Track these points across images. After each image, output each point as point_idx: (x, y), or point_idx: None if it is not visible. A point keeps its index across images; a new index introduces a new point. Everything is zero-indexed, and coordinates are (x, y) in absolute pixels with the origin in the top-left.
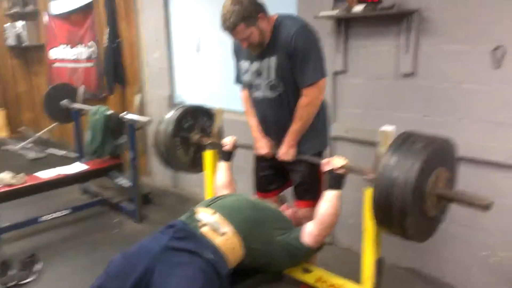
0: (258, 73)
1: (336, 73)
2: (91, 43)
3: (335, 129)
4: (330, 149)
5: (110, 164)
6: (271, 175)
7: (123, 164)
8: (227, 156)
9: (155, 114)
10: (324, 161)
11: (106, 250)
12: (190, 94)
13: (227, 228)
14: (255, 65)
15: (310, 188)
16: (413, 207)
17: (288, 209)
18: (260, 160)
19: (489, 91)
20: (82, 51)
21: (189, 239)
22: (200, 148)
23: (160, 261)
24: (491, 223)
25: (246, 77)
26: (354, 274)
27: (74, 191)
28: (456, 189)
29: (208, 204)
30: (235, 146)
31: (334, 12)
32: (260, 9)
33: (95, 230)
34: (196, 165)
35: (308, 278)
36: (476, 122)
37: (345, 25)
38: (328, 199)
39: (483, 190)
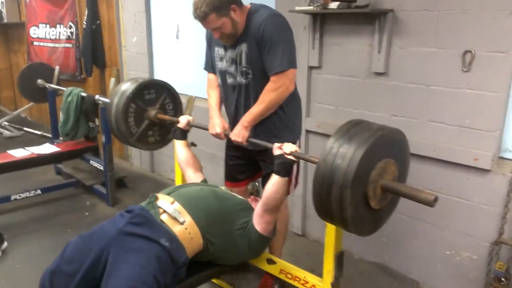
0: (233, 61)
1: (311, 68)
2: (70, 24)
3: (308, 123)
4: (299, 143)
5: (84, 147)
6: (241, 164)
7: (99, 147)
8: (180, 134)
9: None
10: (276, 145)
11: (75, 232)
12: (168, 81)
13: (186, 218)
14: (230, 52)
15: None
16: (354, 197)
17: (256, 201)
18: (231, 149)
19: (457, 94)
20: (61, 31)
21: (146, 225)
22: (152, 125)
23: (115, 245)
24: (456, 223)
25: (221, 65)
26: (321, 266)
27: (48, 172)
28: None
29: (169, 192)
30: (189, 125)
31: (310, 8)
32: (232, 1)
33: (66, 212)
34: (143, 141)
35: (272, 269)
36: (442, 125)
37: (321, 21)
38: (273, 184)
39: (448, 191)
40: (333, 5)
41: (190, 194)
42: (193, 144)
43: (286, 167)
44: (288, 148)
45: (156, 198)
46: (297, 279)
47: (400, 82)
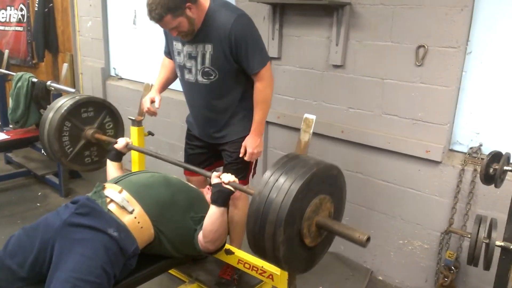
0: (191, 57)
1: (270, 59)
2: (21, 6)
3: (268, 115)
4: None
5: (35, 135)
6: (201, 153)
7: None
8: (115, 156)
9: (86, 86)
10: (214, 174)
11: (26, 224)
12: (126, 68)
13: (135, 207)
14: (188, 47)
15: (239, 168)
16: (287, 236)
17: (210, 192)
18: (191, 138)
19: (410, 88)
20: (12, 14)
21: (92, 215)
22: (89, 145)
23: (60, 237)
24: (408, 213)
25: (178, 59)
26: None
27: None
28: (337, 220)
29: (118, 180)
30: (127, 148)
31: None
32: None
33: (16, 203)
34: (79, 162)
35: (230, 259)
36: (396, 117)
37: (281, 12)
38: (210, 215)
39: (401, 182)
40: None
41: (139, 182)
42: (150, 133)
43: (222, 196)
44: (226, 178)
45: (103, 187)
46: (255, 268)
47: (357, 75)
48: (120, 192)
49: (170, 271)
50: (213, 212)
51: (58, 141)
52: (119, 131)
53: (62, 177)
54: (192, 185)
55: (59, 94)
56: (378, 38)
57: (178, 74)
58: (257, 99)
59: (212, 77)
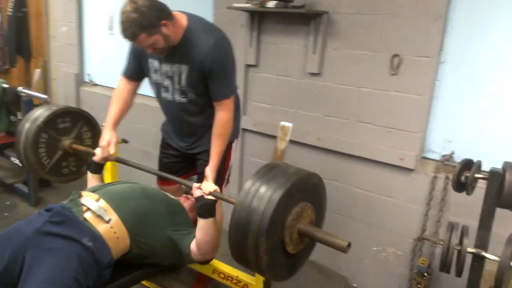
0: (168, 76)
1: (248, 67)
2: None
3: (244, 122)
4: (237, 141)
5: (4, 142)
6: (176, 162)
7: None
8: (95, 168)
9: (60, 92)
10: (194, 185)
11: None
12: (100, 74)
13: (112, 216)
14: (165, 66)
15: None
16: (269, 245)
17: (188, 200)
18: (166, 147)
19: (385, 97)
20: None
21: (67, 224)
22: (66, 155)
23: (32, 246)
24: (382, 220)
25: (155, 77)
26: None
27: None
28: (318, 227)
29: (95, 190)
30: (105, 159)
31: (248, 5)
32: (162, 16)
33: None
34: (56, 173)
35: (205, 270)
36: (371, 125)
37: (259, 19)
38: (200, 228)
39: (376, 189)
40: (271, 4)
41: (117, 192)
42: (124, 141)
43: (207, 208)
44: (207, 188)
45: (80, 195)
46: (229, 278)
47: (333, 83)
48: (97, 200)
49: (143, 281)
50: (203, 225)
51: (35, 154)
52: (97, 140)
53: (31, 186)
54: (170, 195)
55: (30, 100)
56: (354, 47)
57: (154, 91)
58: (216, 132)
59: (188, 96)
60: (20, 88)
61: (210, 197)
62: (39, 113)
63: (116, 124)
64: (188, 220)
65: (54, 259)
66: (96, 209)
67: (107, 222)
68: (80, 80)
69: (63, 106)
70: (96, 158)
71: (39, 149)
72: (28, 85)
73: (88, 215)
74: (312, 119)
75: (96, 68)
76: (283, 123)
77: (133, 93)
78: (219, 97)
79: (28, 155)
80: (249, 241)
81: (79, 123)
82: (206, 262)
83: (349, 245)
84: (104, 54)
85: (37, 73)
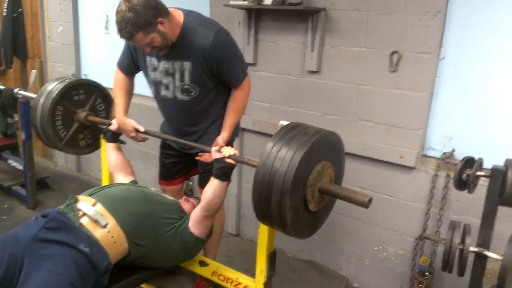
0: (168, 73)
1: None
2: None
3: (243, 121)
4: (237, 140)
5: (1, 144)
6: (177, 162)
7: (18, 144)
8: (111, 137)
9: None
10: (214, 148)
11: None
12: (97, 74)
13: (109, 221)
14: (164, 64)
15: None
16: (293, 202)
17: (188, 202)
18: (166, 147)
19: (385, 94)
20: None
21: (63, 230)
22: (82, 128)
23: (29, 253)
24: (383, 219)
25: (154, 75)
26: (255, 266)
27: None
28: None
29: (92, 193)
30: (135, 138)
31: (245, 3)
32: (158, 13)
33: None
34: (73, 145)
35: (204, 272)
36: (371, 123)
37: (256, 17)
38: (215, 189)
39: (376, 188)
40: (268, 1)
41: (114, 195)
42: (121, 142)
43: (226, 171)
44: (227, 151)
45: (76, 200)
46: (229, 280)
47: (332, 80)
48: (93, 205)
49: (142, 285)
50: (218, 187)
51: (52, 126)
52: (111, 112)
53: (29, 188)
54: (169, 197)
55: (27, 101)
56: (353, 44)
57: (152, 90)
58: (234, 106)
59: (192, 94)
60: (16, 90)
61: (230, 161)
62: (53, 87)
63: (126, 113)
64: (185, 215)
65: (51, 266)
66: (93, 214)
67: (104, 226)
68: (56, 78)
69: (76, 78)
70: (113, 127)
71: (56, 121)
72: (24, 86)
73: (84, 220)
74: (311, 118)
75: (93, 68)
76: (282, 121)
77: (132, 81)
78: (237, 82)
79: (45, 128)
80: (273, 200)
81: (93, 95)
82: (207, 234)
83: (370, 200)
84: (101, 54)
85: (33, 74)
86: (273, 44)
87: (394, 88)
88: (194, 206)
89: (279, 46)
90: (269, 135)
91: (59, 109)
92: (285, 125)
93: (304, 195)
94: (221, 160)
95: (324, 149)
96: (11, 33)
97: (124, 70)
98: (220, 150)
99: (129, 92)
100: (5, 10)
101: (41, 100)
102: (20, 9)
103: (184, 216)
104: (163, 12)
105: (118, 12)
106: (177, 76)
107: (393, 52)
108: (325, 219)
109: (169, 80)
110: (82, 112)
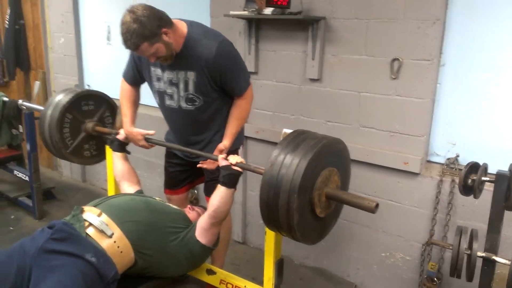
0: (172, 83)
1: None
2: None
3: (246, 129)
4: (242, 147)
5: (7, 156)
6: (182, 171)
7: (23, 156)
8: (118, 146)
9: None
10: (220, 156)
11: None
12: (100, 85)
13: (115, 231)
14: (168, 74)
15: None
16: (300, 203)
17: (193, 211)
18: (171, 156)
19: (386, 101)
20: None
21: (69, 241)
22: (88, 138)
23: (36, 264)
24: (389, 225)
25: (158, 85)
26: (262, 274)
27: None
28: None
29: (97, 204)
30: (143, 146)
31: (245, 13)
32: (162, 24)
33: None
34: (78, 154)
35: (212, 280)
36: (374, 130)
37: (256, 27)
38: (221, 196)
39: (381, 194)
40: (268, 11)
41: (119, 205)
42: (126, 152)
43: (233, 178)
44: (234, 159)
45: (82, 211)
46: None
47: (334, 88)
48: (99, 215)
49: None
50: (225, 194)
51: (59, 133)
52: (116, 122)
53: (35, 199)
54: (173, 206)
55: (31, 113)
56: (353, 52)
57: (157, 100)
58: (236, 115)
59: (196, 103)
60: (20, 101)
61: (236, 168)
62: (63, 97)
63: (134, 123)
64: (190, 224)
65: (58, 276)
66: (98, 224)
67: (110, 236)
68: (65, 89)
69: (86, 89)
70: (120, 136)
71: (63, 129)
72: (28, 97)
73: (90, 231)
74: (314, 125)
75: (95, 78)
76: (285, 129)
77: (138, 92)
78: (241, 92)
79: (52, 134)
80: (281, 199)
81: (102, 107)
82: (214, 242)
83: (377, 205)
84: (103, 65)
85: (37, 85)
86: (274, 53)
87: (395, 95)
88: (199, 215)
89: (280, 55)
90: (272, 143)
91: (68, 117)
92: (293, 131)
93: (311, 197)
94: (227, 167)
95: (332, 156)
96: (13, 45)
97: (129, 81)
98: (226, 158)
99: (135, 102)
100: (7, 22)
101: (50, 110)
102: (22, 21)
103: (189, 225)
104: (167, 22)
105: (123, 23)
106: (181, 86)
107: (394, 60)
108: (331, 227)
109: (173, 90)
110: (90, 123)
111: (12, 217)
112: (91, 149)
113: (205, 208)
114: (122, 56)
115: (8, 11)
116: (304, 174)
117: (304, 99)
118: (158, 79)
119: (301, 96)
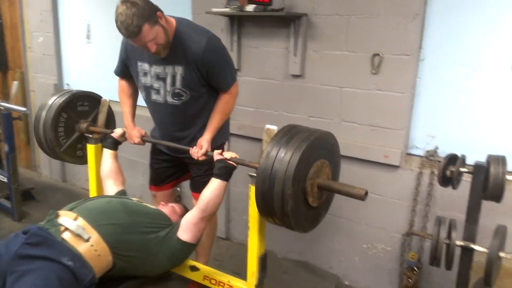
0: (159, 77)
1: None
2: None
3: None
4: (228, 143)
5: None
6: (167, 167)
7: (1, 157)
8: (111, 144)
9: (38, 103)
10: (216, 151)
11: None
12: (80, 84)
13: (91, 234)
14: (156, 68)
15: (207, 181)
16: (294, 196)
17: (166, 206)
18: (156, 152)
19: (368, 95)
20: None
21: (45, 245)
22: (81, 138)
23: (10, 270)
24: (371, 217)
25: (144, 80)
26: (246, 269)
27: None
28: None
29: (73, 207)
30: (123, 137)
31: (227, 10)
32: (156, 8)
33: None
34: (71, 154)
35: (195, 276)
36: (355, 124)
37: (238, 24)
38: (215, 188)
39: (363, 187)
40: (250, 8)
41: (95, 208)
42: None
43: (228, 171)
44: (229, 154)
45: (57, 215)
46: (221, 284)
47: (316, 84)
48: (75, 219)
49: None
50: (218, 186)
51: (54, 131)
52: (111, 126)
53: (14, 200)
54: (151, 206)
55: (9, 113)
56: (334, 48)
57: (143, 95)
58: (219, 108)
59: (183, 98)
60: None
61: (231, 163)
62: (59, 96)
63: (134, 117)
64: (170, 223)
65: (33, 279)
66: (75, 228)
67: (87, 240)
68: (59, 90)
69: (82, 90)
70: (115, 134)
71: (58, 127)
72: (6, 98)
73: (66, 235)
74: (297, 121)
75: (75, 77)
76: (268, 126)
77: (134, 85)
78: (226, 87)
79: (47, 132)
80: (276, 187)
81: (96, 108)
82: (197, 235)
83: (366, 193)
84: (82, 63)
85: (15, 85)
86: (257, 49)
87: (376, 89)
88: (174, 210)
89: (262, 51)
90: (255, 139)
91: (63, 116)
92: (285, 126)
93: (304, 186)
94: (223, 160)
95: (323, 148)
96: None
97: (121, 76)
98: (221, 154)
99: (132, 95)
100: None
101: (44, 112)
102: None
103: (170, 224)
104: (159, 8)
105: (120, 13)
106: (169, 80)
107: (375, 55)
108: (322, 217)
109: (160, 84)
110: (84, 123)
111: None
112: (84, 149)
113: (182, 205)
114: (102, 54)
115: None
116: (298, 164)
117: (287, 95)
118: (145, 74)
119: (284, 92)
